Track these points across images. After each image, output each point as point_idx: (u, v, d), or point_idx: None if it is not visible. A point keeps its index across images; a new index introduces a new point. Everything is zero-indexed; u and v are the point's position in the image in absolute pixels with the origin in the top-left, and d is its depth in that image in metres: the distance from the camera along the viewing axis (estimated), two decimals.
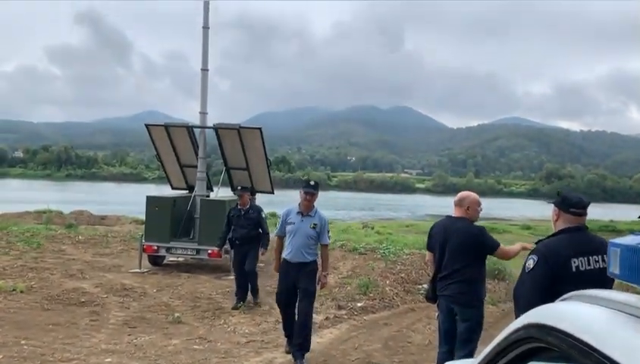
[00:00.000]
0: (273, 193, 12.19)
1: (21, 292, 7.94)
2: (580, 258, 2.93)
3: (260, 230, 8.01)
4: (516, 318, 1.51)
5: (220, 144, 11.44)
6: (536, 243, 3.16)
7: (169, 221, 10.41)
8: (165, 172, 12.43)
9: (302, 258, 5.46)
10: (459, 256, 4.24)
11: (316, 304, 6.28)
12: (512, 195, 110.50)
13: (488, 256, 4.48)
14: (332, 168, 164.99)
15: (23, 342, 5.86)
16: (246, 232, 7.91)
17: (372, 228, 24.27)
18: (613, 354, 1.00)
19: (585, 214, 3.14)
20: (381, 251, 12.00)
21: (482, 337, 4.32)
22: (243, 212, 8.01)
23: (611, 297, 1.24)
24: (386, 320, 7.60)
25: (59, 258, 10.92)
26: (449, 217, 4.48)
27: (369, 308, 8.01)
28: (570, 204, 3.10)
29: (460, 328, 4.26)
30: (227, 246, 8.64)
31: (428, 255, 4.72)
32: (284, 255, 5.55)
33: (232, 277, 8.68)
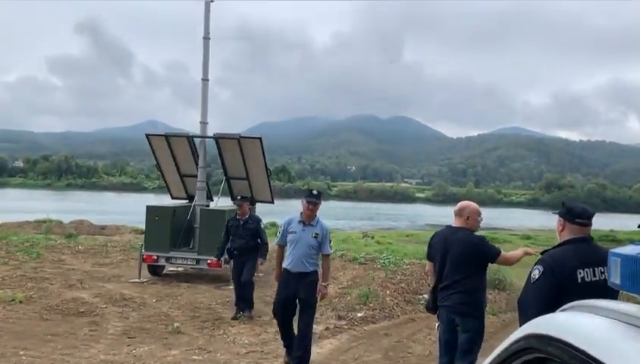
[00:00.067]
0: (273, 203, 12.20)
1: (20, 302, 7.92)
2: (586, 270, 2.93)
3: (259, 240, 7.96)
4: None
5: (220, 154, 11.46)
6: (541, 254, 3.16)
7: (169, 230, 10.40)
8: (165, 182, 12.44)
9: (303, 268, 5.41)
10: (460, 266, 4.23)
11: (316, 314, 6.25)
12: (512, 205, 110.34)
13: (489, 265, 4.47)
14: (332, 178, 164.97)
15: (21, 352, 5.84)
16: (244, 242, 7.87)
17: (372, 238, 24.22)
18: None
19: (590, 224, 3.14)
20: (381, 261, 11.98)
21: (483, 347, 4.30)
22: (241, 222, 7.96)
23: (611, 307, 1.24)
24: (386, 330, 7.57)
25: (58, 268, 10.90)
26: (449, 227, 4.47)
27: (369, 318, 7.99)
28: (575, 214, 3.10)
29: (461, 339, 4.24)
30: (226, 256, 8.63)
31: (428, 265, 4.71)
32: (285, 264, 5.50)
33: (232, 287, 8.66)
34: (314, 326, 6.08)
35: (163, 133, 11.71)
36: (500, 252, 4.36)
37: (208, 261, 9.85)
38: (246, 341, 6.72)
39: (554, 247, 3.14)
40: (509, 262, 4.51)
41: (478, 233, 4.49)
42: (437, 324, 4.56)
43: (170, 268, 11.08)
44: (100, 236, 18.56)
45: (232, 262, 8.32)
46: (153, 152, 11.79)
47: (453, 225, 4.42)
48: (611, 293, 1.77)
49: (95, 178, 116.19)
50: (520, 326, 1.55)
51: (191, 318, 7.75)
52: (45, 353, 5.86)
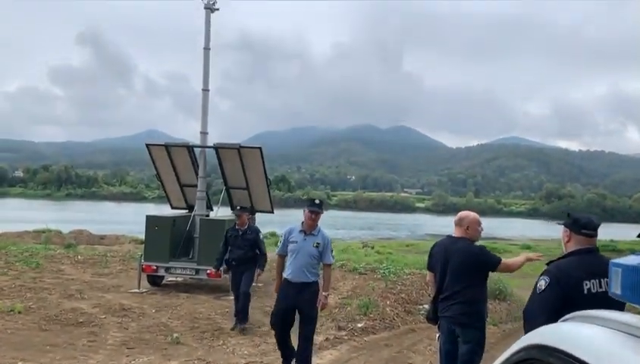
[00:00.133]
0: (273, 212, 12.19)
1: (19, 312, 7.89)
2: (592, 281, 2.92)
3: (257, 251, 7.89)
4: None
5: (220, 163, 11.48)
6: (547, 264, 3.15)
7: (168, 240, 10.38)
8: (165, 191, 12.44)
9: (305, 278, 5.36)
10: (460, 277, 4.22)
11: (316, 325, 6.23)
12: (512, 214, 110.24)
13: (490, 275, 4.46)
14: (332, 187, 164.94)
15: (20, 363, 5.81)
16: (243, 253, 7.79)
17: (372, 248, 24.18)
18: None
19: (596, 235, 3.13)
20: (381, 271, 11.94)
21: (484, 358, 4.27)
22: (240, 233, 7.90)
23: (611, 317, 1.24)
24: (386, 341, 7.53)
25: (58, 278, 10.87)
26: (449, 237, 4.47)
27: (370, 329, 7.95)
28: (582, 225, 3.10)
29: (462, 350, 4.22)
30: (225, 266, 8.60)
31: (428, 275, 4.70)
32: (286, 274, 5.44)
33: (231, 297, 8.63)
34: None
35: (163, 143, 11.74)
36: (500, 260, 4.35)
37: (208, 271, 9.82)
38: (245, 352, 6.69)
39: (560, 258, 3.14)
40: (510, 269, 4.49)
41: (479, 243, 4.48)
42: (437, 335, 4.54)
43: (170, 278, 11.05)
44: (99, 246, 18.53)
45: (230, 272, 8.25)
46: (153, 162, 11.81)
47: (454, 235, 4.41)
48: (617, 305, 1.76)
49: (95, 188, 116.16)
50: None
51: (190, 328, 7.72)
52: None
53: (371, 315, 8.42)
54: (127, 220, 37.34)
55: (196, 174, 11.37)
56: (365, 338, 7.56)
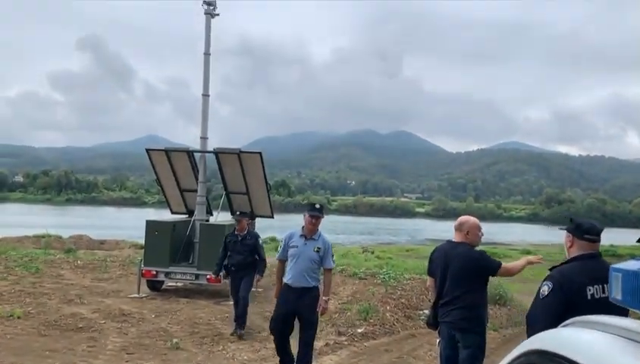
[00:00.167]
0: (273, 217, 12.18)
1: (18, 317, 7.87)
2: (595, 286, 2.91)
3: (256, 256, 7.82)
4: None
5: (220, 168, 11.48)
6: (550, 270, 3.14)
7: (168, 245, 10.37)
8: (165, 196, 12.44)
9: (305, 283, 5.32)
10: (461, 282, 4.21)
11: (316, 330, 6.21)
12: (512, 219, 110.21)
13: (490, 280, 4.45)
14: (332, 192, 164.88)
15: None
16: (242, 258, 7.73)
17: (372, 253, 24.19)
18: None
19: (599, 240, 3.13)
20: (382, 276, 11.94)
21: (484, 363, 4.27)
22: (240, 238, 7.83)
23: (611, 323, 1.23)
24: (386, 346, 7.52)
25: (57, 283, 10.85)
26: (449, 242, 4.46)
27: (369, 334, 7.93)
28: (584, 230, 3.09)
29: (462, 355, 4.21)
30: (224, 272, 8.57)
31: (429, 280, 4.69)
32: (286, 279, 5.40)
33: (231, 302, 8.61)
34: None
35: (163, 148, 11.74)
36: (500, 264, 4.35)
37: (208, 276, 9.80)
38: (245, 357, 6.67)
39: (563, 263, 3.14)
40: (511, 273, 4.47)
41: (479, 248, 4.48)
42: (437, 340, 4.53)
43: (170, 284, 11.04)
44: (99, 251, 18.53)
45: (230, 278, 8.17)
46: (153, 167, 11.81)
47: (454, 240, 4.41)
48: (621, 310, 1.75)
49: (95, 193, 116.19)
50: None
51: (190, 333, 7.70)
52: None
53: (371, 321, 8.41)
54: (126, 225, 37.33)
55: (196, 178, 11.37)
56: (365, 343, 7.54)
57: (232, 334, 7.61)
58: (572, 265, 3.06)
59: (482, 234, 4.48)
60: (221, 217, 11.82)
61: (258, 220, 11.89)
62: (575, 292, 2.91)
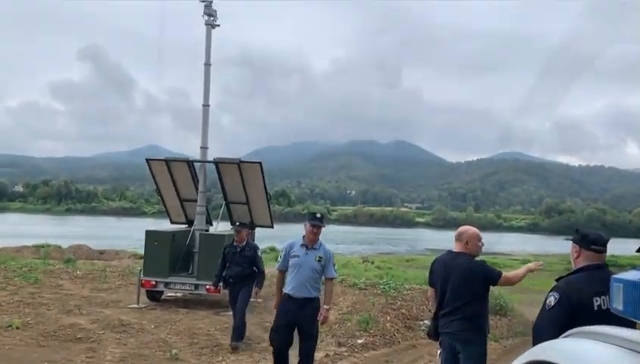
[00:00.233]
0: (272, 227, 12.16)
1: (17, 328, 7.84)
2: (602, 297, 2.89)
3: (255, 268, 7.70)
4: None
5: (220, 178, 11.48)
6: (557, 280, 3.13)
7: (168, 255, 10.34)
8: (165, 206, 12.42)
9: (307, 294, 5.27)
10: (461, 292, 4.20)
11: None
12: (512, 229, 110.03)
13: (491, 290, 4.44)
14: (332, 202, 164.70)
15: None
16: (240, 270, 7.60)
17: (372, 263, 24.14)
18: None
19: (605, 251, 3.12)
20: (382, 286, 11.88)
21: None
22: (238, 249, 7.70)
23: (612, 333, 1.23)
24: (387, 357, 7.47)
25: (56, 294, 10.82)
26: (449, 252, 4.46)
27: (370, 345, 7.89)
28: (591, 241, 3.09)
29: None
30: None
31: (430, 290, 4.68)
32: (287, 289, 5.34)
33: (231, 313, 8.57)
34: None
35: (163, 158, 11.75)
36: (500, 273, 4.33)
37: (207, 286, 9.76)
38: None
39: (570, 274, 3.13)
40: (512, 282, 4.45)
41: (479, 258, 4.47)
42: (438, 351, 4.51)
43: (169, 294, 11.00)
44: (99, 261, 18.48)
45: (228, 289, 8.02)
46: (153, 177, 11.81)
47: (454, 250, 4.40)
48: (628, 321, 1.74)
49: (94, 203, 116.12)
50: None
51: (189, 344, 7.66)
52: None
53: (372, 331, 8.37)
54: (126, 235, 37.26)
55: (196, 188, 11.37)
56: (365, 354, 7.50)
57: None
58: (579, 276, 3.05)
59: (482, 244, 4.47)
60: (221, 227, 11.80)
61: (258, 230, 11.86)
62: (582, 303, 2.90)
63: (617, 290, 1.28)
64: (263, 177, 11.21)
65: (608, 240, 3.15)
